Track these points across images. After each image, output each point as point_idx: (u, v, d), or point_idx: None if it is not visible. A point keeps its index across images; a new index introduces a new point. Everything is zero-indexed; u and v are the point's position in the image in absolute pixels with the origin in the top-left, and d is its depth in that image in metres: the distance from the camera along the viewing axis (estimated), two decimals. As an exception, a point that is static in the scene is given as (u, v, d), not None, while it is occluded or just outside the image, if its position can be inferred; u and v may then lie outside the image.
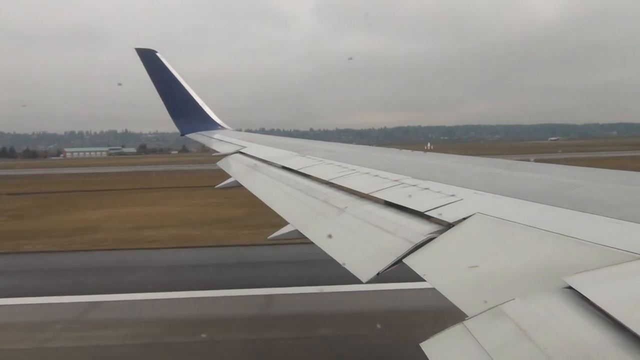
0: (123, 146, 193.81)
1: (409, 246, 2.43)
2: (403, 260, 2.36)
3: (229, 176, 7.70)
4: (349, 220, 3.32)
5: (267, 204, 4.82)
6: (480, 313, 1.65)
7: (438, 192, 3.12)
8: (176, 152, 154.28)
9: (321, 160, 5.72)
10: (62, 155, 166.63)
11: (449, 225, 2.49)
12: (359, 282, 2.47)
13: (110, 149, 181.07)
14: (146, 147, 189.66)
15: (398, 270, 2.38)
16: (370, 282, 2.39)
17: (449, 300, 1.86)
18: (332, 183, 4.34)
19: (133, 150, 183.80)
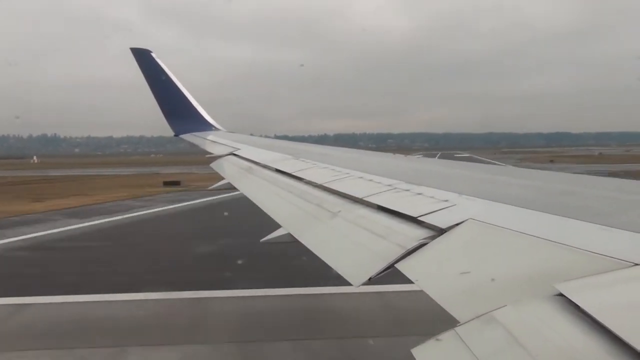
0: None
1: (401, 251, 2.43)
2: (395, 265, 2.36)
3: (222, 178, 7.70)
4: (341, 224, 3.32)
5: (260, 207, 4.81)
6: (472, 319, 1.65)
7: (431, 197, 3.13)
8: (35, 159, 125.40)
9: (315, 164, 5.72)
10: None
11: (441, 231, 2.49)
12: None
13: None
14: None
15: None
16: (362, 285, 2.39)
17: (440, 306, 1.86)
18: (325, 187, 4.34)
19: None
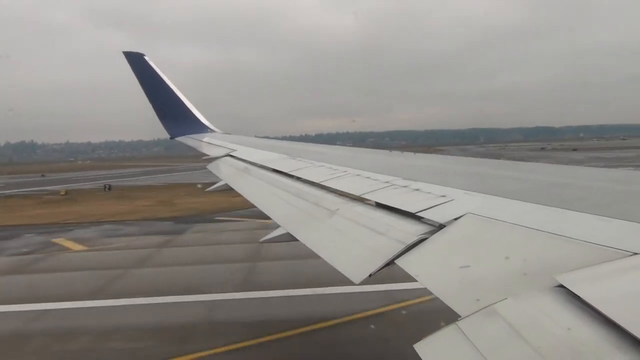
0: None
1: (401, 247, 2.43)
2: (395, 261, 2.36)
3: (219, 179, 7.67)
4: (340, 222, 3.32)
5: (258, 207, 4.80)
6: (473, 313, 1.65)
7: (429, 192, 3.13)
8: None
9: (312, 163, 5.72)
10: None
11: (440, 226, 2.50)
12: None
13: None
14: None
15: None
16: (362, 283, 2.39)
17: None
18: (323, 185, 4.34)
19: None
